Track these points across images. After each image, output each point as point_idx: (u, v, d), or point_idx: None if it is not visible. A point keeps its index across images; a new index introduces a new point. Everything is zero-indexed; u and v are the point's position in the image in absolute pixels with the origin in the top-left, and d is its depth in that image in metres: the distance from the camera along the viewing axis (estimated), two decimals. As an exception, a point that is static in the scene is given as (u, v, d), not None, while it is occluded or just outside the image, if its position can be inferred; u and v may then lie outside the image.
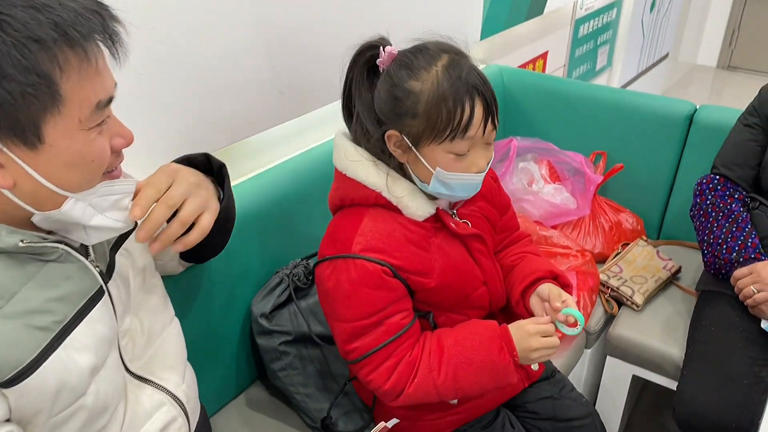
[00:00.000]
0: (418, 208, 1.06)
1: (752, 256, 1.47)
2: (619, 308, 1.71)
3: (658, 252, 1.83)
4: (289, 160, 1.48)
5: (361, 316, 1.03)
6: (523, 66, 2.58)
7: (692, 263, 1.84)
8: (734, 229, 1.52)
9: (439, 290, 1.10)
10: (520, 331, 1.07)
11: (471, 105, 0.95)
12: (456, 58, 0.98)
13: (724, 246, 1.51)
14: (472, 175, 1.01)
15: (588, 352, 1.69)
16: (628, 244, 1.87)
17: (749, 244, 1.49)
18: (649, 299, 1.70)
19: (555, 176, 1.94)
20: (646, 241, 1.88)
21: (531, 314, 1.17)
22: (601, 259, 1.85)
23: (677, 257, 1.84)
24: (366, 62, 1.02)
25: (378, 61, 1.01)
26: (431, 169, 1.01)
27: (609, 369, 1.68)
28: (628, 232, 1.89)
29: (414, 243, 1.07)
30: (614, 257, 1.83)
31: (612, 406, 1.71)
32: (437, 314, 1.15)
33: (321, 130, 1.67)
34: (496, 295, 1.20)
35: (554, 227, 1.86)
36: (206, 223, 0.87)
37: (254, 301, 1.33)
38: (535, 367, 1.11)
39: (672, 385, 1.57)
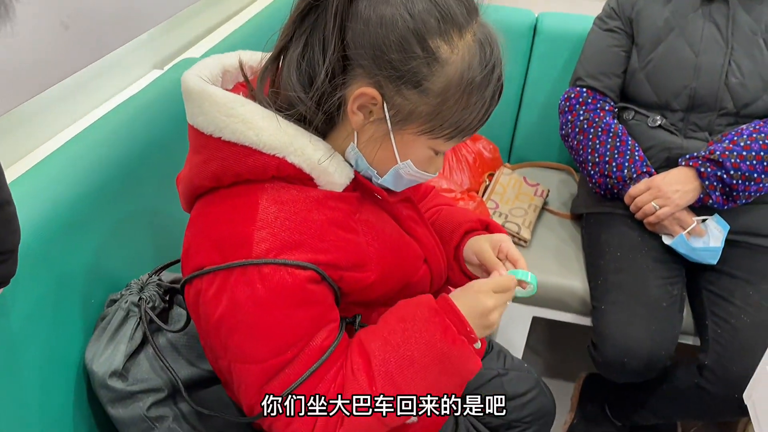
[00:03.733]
0: (339, 173, 0.74)
1: (643, 170, 1.38)
2: (506, 247, 1.55)
3: (525, 178, 1.69)
4: (98, 124, 0.98)
5: (278, 351, 0.70)
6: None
7: (550, 183, 1.75)
8: (618, 144, 1.41)
9: (378, 284, 0.79)
10: (467, 293, 0.78)
11: (489, 106, 0.72)
12: (487, 29, 0.71)
13: (613, 163, 1.40)
14: (429, 175, 0.79)
15: (483, 301, 1.51)
16: (492, 175, 1.71)
17: (637, 158, 1.39)
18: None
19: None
20: (510, 168, 1.73)
21: (469, 276, 0.94)
22: (471, 195, 1.66)
23: (536, 180, 1.73)
24: None
25: None
26: (398, 159, 0.74)
27: (507, 313, 1.52)
28: (489, 162, 1.72)
29: (339, 224, 0.74)
30: (484, 191, 1.65)
31: (511, 349, 1.56)
32: (366, 314, 0.83)
33: (134, 70, 1.17)
34: (439, 272, 0.92)
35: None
36: None
37: (90, 353, 0.85)
38: (477, 344, 0.79)
39: (577, 320, 1.46)
